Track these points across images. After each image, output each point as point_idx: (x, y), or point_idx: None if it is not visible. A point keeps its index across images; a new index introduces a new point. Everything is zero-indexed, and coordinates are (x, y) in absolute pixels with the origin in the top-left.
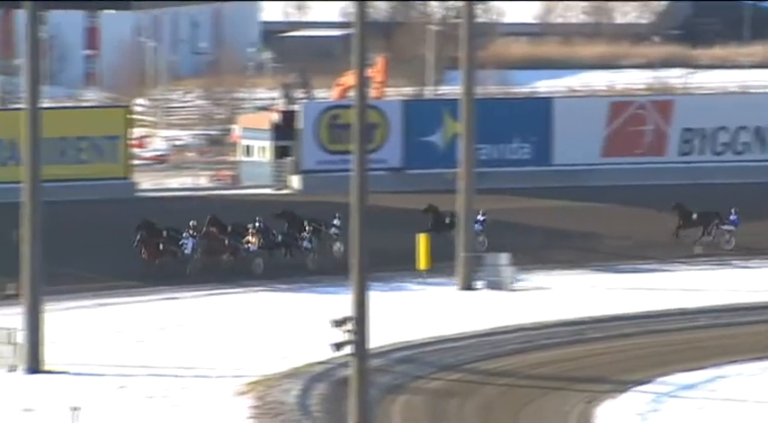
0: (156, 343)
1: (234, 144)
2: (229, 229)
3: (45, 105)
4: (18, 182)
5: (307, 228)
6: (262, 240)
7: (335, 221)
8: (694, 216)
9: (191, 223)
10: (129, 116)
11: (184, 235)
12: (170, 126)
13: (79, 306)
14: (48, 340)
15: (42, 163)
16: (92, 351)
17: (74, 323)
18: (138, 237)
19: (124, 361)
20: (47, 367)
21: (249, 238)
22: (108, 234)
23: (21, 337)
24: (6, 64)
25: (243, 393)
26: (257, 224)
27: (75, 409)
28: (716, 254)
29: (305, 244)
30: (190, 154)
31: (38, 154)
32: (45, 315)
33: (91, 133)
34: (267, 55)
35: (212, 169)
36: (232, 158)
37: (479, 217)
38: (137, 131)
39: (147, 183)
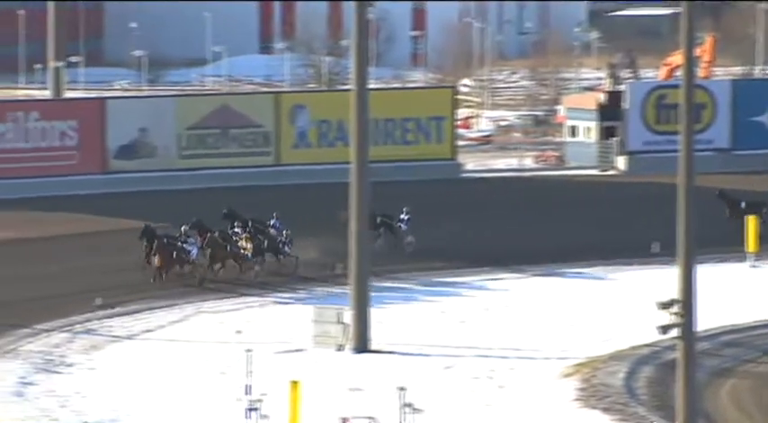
0: (479, 323)
1: (559, 124)
2: (216, 233)
3: (372, 86)
4: (346, 162)
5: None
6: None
7: (273, 221)
8: (742, 204)
9: (182, 229)
10: (454, 97)
11: (190, 241)
12: (495, 106)
13: (402, 287)
14: (374, 320)
15: (369, 144)
16: (417, 331)
17: (398, 304)
18: (146, 245)
19: (449, 341)
20: (374, 347)
21: (243, 243)
22: (434, 215)
23: (348, 316)
24: (334, 46)
25: (568, 375)
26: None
27: (401, 388)
28: None
29: (285, 249)
30: (515, 134)
31: (365, 135)
32: (371, 295)
33: (417, 114)
34: (593, 35)
35: (537, 150)
36: (557, 139)
37: (402, 216)
38: (462, 112)
39: (473, 163)
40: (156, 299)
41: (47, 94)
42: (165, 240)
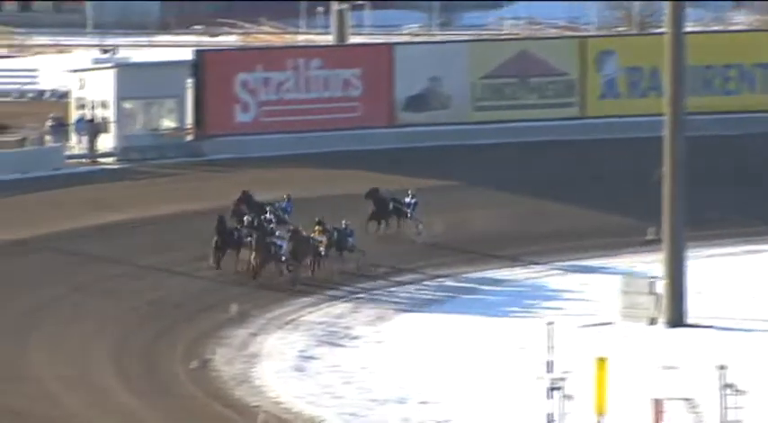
0: None
1: None
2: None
3: (689, 29)
4: (659, 114)
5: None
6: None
7: (285, 204)
8: None
9: (246, 219)
10: None
11: (279, 234)
12: None
13: (725, 253)
14: (692, 291)
15: (686, 93)
16: (741, 303)
17: (720, 272)
18: (217, 238)
19: None
20: (690, 321)
21: (316, 236)
22: (758, 174)
23: (661, 287)
24: None
25: None
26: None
27: (721, 367)
28: None
29: (350, 241)
30: None
31: (681, 83)
32: (688, 263)
33: (740, 60)
34: None
35: None
36: None
37: (408, 199)
38: None
39: None
40: (446, 266)
41: (329, 39)
42: (236, 234)
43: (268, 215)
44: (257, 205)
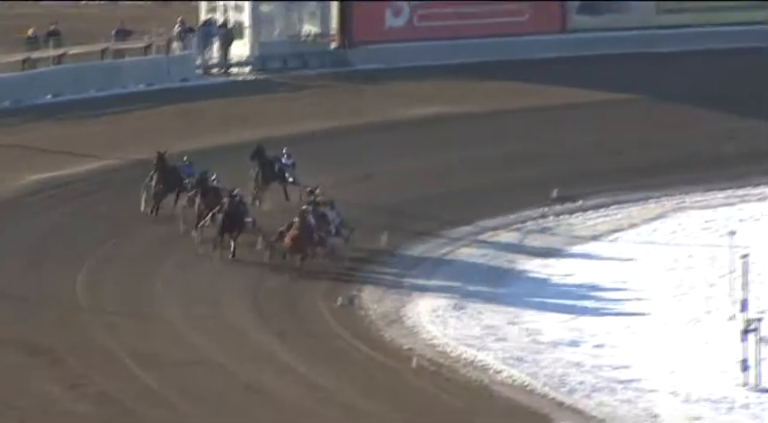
0: None
1: None
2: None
3: None
4: None
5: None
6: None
7: (186, 167)
8: None
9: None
10: None
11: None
12: None
13: None
14: None
15: None
16: None
17: None
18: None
19: None
20: None
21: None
22: None
23: None
24: None
25: None
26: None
27: None
28: None
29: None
30: None
31: None
32: None
33: None
34: None
35: None
36: None
37: (285, 159)
38: None
39: None
40: (625, 191)
41: None
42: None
43: (215, 183)
44: (170, 169)
